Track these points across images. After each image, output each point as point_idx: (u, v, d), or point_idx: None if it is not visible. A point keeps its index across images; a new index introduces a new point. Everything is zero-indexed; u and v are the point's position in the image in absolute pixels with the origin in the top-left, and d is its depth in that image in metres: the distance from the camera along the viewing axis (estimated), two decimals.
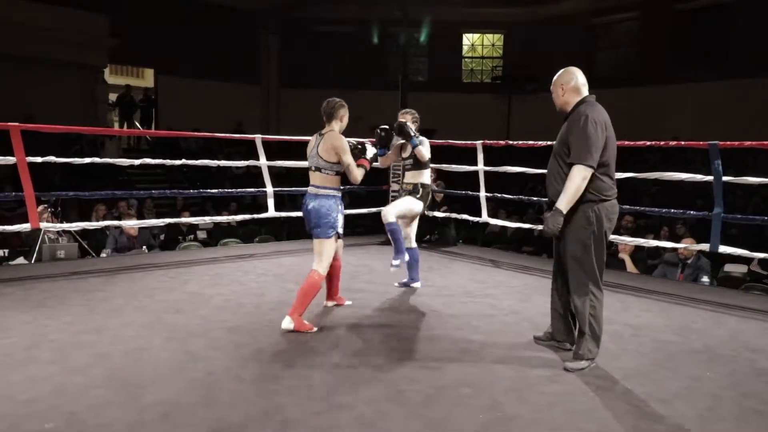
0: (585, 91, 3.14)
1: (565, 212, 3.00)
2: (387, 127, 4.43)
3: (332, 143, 3.67)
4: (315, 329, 3.56)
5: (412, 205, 4.51)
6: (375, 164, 4.12)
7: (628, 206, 5.85)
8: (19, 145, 4.77)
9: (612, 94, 15.85)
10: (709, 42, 14.74)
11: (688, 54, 15.05)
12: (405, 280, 4.80)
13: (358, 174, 3.73)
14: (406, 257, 4.39)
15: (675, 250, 5.64)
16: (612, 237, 5.85)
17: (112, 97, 15.55)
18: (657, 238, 7.20)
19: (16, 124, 4.81)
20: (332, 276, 4.02)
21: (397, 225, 4.38)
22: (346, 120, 3.84)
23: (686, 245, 5.34)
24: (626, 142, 5.38)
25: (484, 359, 3.18)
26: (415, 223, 4.71)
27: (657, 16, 15.44)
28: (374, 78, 17.20)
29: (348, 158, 3.70)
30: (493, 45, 18.63)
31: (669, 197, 10.46)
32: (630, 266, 6.02)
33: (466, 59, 18.70)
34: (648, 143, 5.32)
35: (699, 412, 2.60)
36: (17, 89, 12.75)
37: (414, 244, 4.72)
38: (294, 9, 17.33)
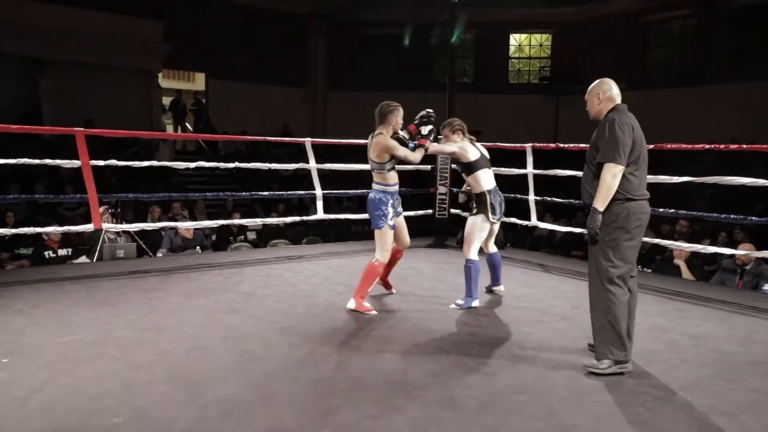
0: (618, 100, 3.22)
1: (601, 210, 3.05)
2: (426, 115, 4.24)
3: (379, 146, 4.02)
4: (374, 312, 4.01)
5: (477, 227, 4.29)
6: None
7: (684, 211, 5.72)
8: (84, 149, 4.99)
9: (665, 93, 15.50)
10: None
11: (746, 52, 14.46)
12: (488, 284, 4.72)
13: (415, 158, 4.10)
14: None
15: (733, 256, 5.46)
16: (666, 242, 5.74)
17: (165, 101, 16.07)
18: (714, 243, 6.97)
19: (81, 129, 5.03)
20: (390, 262, 4.40)
21: (476, 263, 4.24)
22: (397, 122, 4.11)
23: (745, 252, 5.15)
24: (683, 145, 5.26)
25: (537, 366, 3.15)
26: (494, 230, 4.49)
27: (712, 13, 14.90)
28: (421, 80, 17.20)
29: (400, 153, 4.04)
30: (540, 45, 18.36)
31: (725, 201, 10.08)
32: (685, 272, 5.84)
33: (513, 60, 18.49)
34: (707, 146, 5.15)
35: (765, 427, 2.52)
36: (78, 94, 13.34)
37: (493, 249, 4.59)
38: (342, 12, 17.50)
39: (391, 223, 4.09)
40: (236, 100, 16.44)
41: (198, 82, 17.89)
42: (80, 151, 4.97)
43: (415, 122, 4.21)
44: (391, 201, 4.11)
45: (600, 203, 3.03)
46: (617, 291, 3.08)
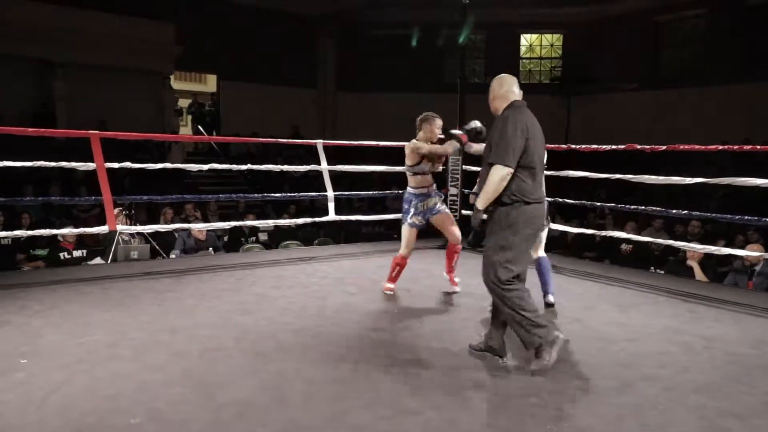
0: (513, 97, 3.21)
1: (481, 209, 3.09)
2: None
3: (407, 150, 4.48)
4: (390, 292, 4.60)
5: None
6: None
7: (697, 212, 5.69)
8: (99, 152, 5.04)
9: (677, 93, 15.39)
10: None
11: (759, 52, 14.31)
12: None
13: (442, 150, 4.35)
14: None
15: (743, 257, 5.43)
16: (679, 244, 5.71)
17: (183, 103, 16.21)
18: (729, 244, 6.93)
19: (96, 132, 5.08)
20: (448, 256, 4.75)
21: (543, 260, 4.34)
22: (431, 130, 4.52)
23: (753, 253, 5.12)
24: (696, 146, 5.23)
25: (549, 368, 3.15)
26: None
27: (725, 13, 14.77)
28: (431, 81, 17.20)
29: (425, 149, 4.38)
30: (551, 45, 18.30)
31: (737, 201, 10.01)
32: (699, 274, 5.81)
33: (524, 60, 18.44)
34: (719, 147, 5.12)
35: None
36: (91, 96, 13.47)
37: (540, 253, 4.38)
38: (351, 13, 17.52)
39: (411, 221, 4.50)
40: (247, 101, 16.54)
41: (209, 83, 18.00)
42: (95, 154, 5.02)
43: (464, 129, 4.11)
44: (414, 201, 4.50)
45: (482, 202, 3.07)
46: (514, 287, 3.07)
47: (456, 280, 4.80)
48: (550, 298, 4.30)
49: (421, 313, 4.14)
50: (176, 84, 16.43)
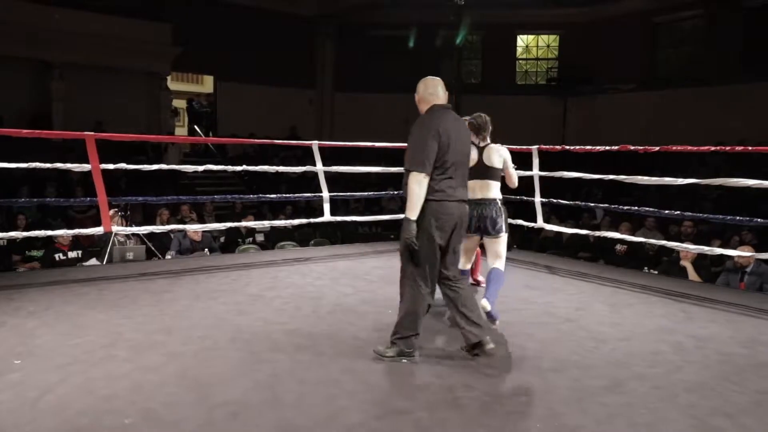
0: (435, 100, 3.22)
1: (413, 218, 3.06)
2: None
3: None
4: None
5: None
6: None
7: (690, 213, 5.72)
8: (94, 153, 5.05)
9: (675, 94, 15.43)
10: None
11: (756, 53, 14.36)
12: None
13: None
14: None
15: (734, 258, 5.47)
16: (672, 244, 5.75)
17: (178, 104, 16.21)
18: (725, 244, 6.97)
19: (91, 133, 5.09)
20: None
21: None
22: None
23: (743, 253, 5.16)
24: (689, 147, 5.26)
25: (540, 367, 3.18)
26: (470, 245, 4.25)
27: (725, 14, 14.81)
28: None
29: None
30: (548, 46, 18.34)
31: (731, 202, 10.06)
32: (692, 274, 5.84)
33: (520, 61, 18.48)
34: (712, 148, 5.15)
35: (767, 428, 2.53)
36: (87, 97, 13.48)
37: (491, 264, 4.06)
38: (349, 14, 17.55)
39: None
40: (244, 102, 16.55)
41: (206, 84, 18.01)
42: (90, 155, 5.03)
43: None
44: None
45: (410, 212, 3.05)
46: (423, 289, 3.15)
47: (480, 278, 4.94)
48: (484, 303, 3.71)
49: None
50: (173, 85, 16.44)
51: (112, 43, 13.39)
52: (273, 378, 2.94)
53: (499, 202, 3.99)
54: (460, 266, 3.90)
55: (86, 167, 5.10)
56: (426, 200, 3.07)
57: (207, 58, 15.92)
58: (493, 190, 4.00)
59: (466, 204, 3.29)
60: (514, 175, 4.19)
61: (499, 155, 4.04)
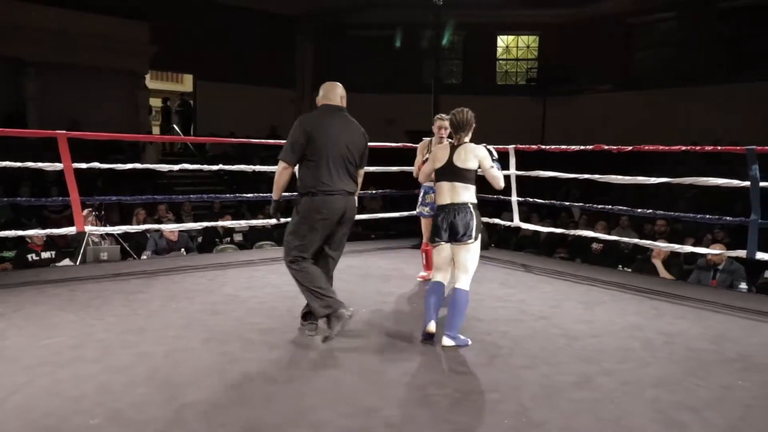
0: (324, 102, 3.62)
1: (275, 199, 3.61)
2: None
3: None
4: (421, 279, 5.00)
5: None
6: None
7: (661, 211, 5.81)
8: (66, 152, 4.99)
9: (652, 94, 15.64)
10: (753, 42, 14.30)
11: (732, 54, 14.62)
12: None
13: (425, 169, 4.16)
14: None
15: (706, 256, 5.56)
16: (644, 242, 5.84)
17: (155, 102, 16.03)
18: (698, 243, 7.08)
19: (63, 132, 5.03)
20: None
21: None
22: (435, 129, 4.91)
23: (717, 252, 5.25)
24: (661, 147, 5.34)
25: (512, 364, 3.21)
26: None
27: (699, 16, 15.04)
28: (408, 81, 17.25)
29: (419, 160, 4.96)
30: (527, 47, 18.48)
31: (707, 201, 10.23)
32: (662, 272, 5.93)
33: (500, 61, 18.59)
34: (684, 148, 5.24)
35: (730, 422, 2.59)
36: (63, 95, 13.26)
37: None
38: (329, 14, 17.51)
39: (418, 210, 5.24)
40: (224, 101, 16.41)
41: (186, 83, 17.86)
42: (62, 154, 4.97)
43: None
44: (422, 192, 5.18)
45: (274, 194, 3.58)
46: (299, 266, 3.49)
47: (423, 274, 5.01)
48: (445, 341, 3.42)
49: (390, 314, 4.17)
50: (152, 84, 16.27)
51: (89, 42, 13.19)
52: (244, 377, 2.93)
53: (472, 207, 3.57)
54: (437, 279, 3.64)
55: (58, 166, 5.04)
56: (308, 193, 3.44)
57: (186, 57, 15.78)
58: (464, 194, 3.58)
59: (346, 195, 3.51)
60: (496, 176, 3.68)
61: (473, 155, 3.61)
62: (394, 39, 17.74)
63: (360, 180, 3.71)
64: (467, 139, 3.70)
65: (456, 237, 3.54)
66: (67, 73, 13.35)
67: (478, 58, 18.36)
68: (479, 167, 3.64)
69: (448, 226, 3.55)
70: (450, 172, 3.62)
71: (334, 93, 3.61)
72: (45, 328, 3.63)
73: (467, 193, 3.60)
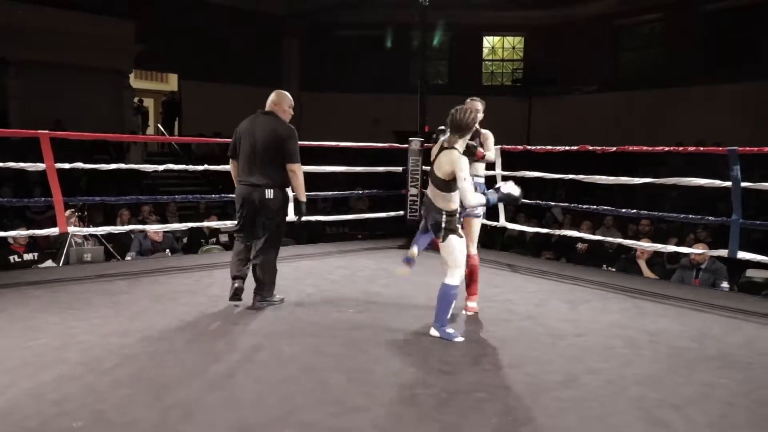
0: (266, 107, 4.24)
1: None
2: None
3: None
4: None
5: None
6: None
7: (645, 211, 5.88)
8: (48, 152, 4.93)
9: (637, 95, 15.80)
10: (738, 43, 14.50)
11: (717, 55, 14.81)
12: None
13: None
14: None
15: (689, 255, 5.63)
16: (627, 242, 5.91)
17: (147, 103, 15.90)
18: (682, 242, 7.17)
19: (46, 131, 4.97)
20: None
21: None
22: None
23: (699, 251, 5.32)
24: (645, 148, 5.41)
25: (498, 364, 3.23)
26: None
27: (683, 17, 15.23)
28: (395, 81, 17.27)
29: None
30: (513, 47, 18.58)
31: (690, 201, 10.36)
32: (646, 271, 5.99)
33: (486, 62, 18.68)
34: (667, 149, 5.30)
35: (711, 419, 2.62)
36: (46, 94, 13.11)
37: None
38: (317, 13, 17.48)
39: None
40: (209, 100, 16.31)
41: (171, 82, 17.73)
42: (45, 154, 4.91)
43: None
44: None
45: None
46: (234, 247, 4.29)
47: (471, 305, 4.25)
48: (432, 331, 3.60)
49: (376, 314, 4.16)
50: (137, 83, 16.15)
51: (73, 40, 13.06)
52: (230, 378, 2.92)
53: (445, 215, 3.52)
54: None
55: (41, 167, 4.98)
56: (239, 182, 4.17)
57: (171, 56, 15.68)
58: (439, 201, 3.54)
59: (252, 187, 4.05)
60: (464, 191, 3.40)
61: (448, 161, 3.42)
62: (381, 39, 17.77)
63: (293, 174, 4.11)
64: (460, 144, 3.48)
65: (435, 234, 3.65)
66: (50, 72, 13.20)
67: (465, 58, 18.43)
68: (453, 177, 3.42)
69: (429, 227, 3.70)
70: (432, 176, 3.58)
71: (268, 100, 4.27)
72: (27, 330, 3.59)
73: (442, 201, 3.53)
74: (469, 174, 3.45)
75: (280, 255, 6.31)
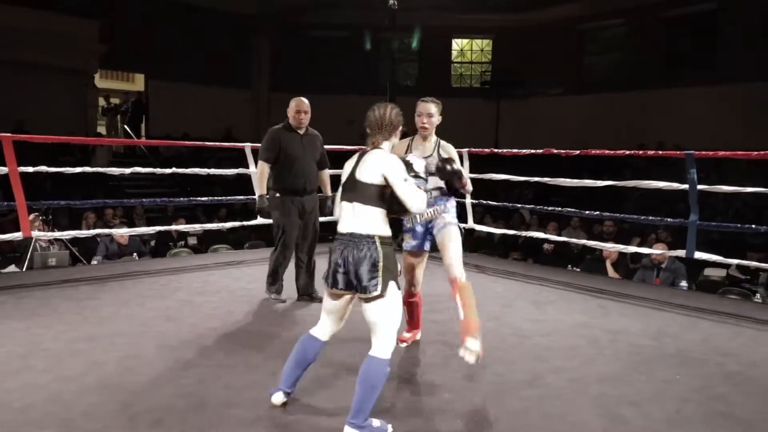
0: None
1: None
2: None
3: None
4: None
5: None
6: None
7: (608, 213, 6.05)
8: (11, 156, 4.83)
9: (601, 98, 16.16)
10: (696, 48, 14.98)
11: (676, 60, 15.27)
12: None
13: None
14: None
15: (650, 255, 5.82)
16: (592, 243, 6.08)
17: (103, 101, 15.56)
18: (644, 242, 7.39)
19: (8, 134, 4.87)
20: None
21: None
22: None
23: (659, 251, 5.49)
24: (606, 151, 5.57)
25: (465, 365, 3.26)
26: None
27: (645, 23, 15.65)
28: (365, 82, 17.30)
29: None
30: (482, 50, 18.80)
31: (652, 201, 10.65)
32: (611, 272, 6.16)
33: (455, 64, 18.86)
34: (628, 152, 5.48)
35: (667, 414, 2.74)
36: (7, 94, 12.74)
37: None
38: (286, 14, 17.40)
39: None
40: (177, 101, 16.09)
41: (137, 82, 17.44)
42: (7, 158, 4.81)
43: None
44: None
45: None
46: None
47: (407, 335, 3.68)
48: (276, 397, 2.72)
49: (350, 320, 4.18)
50: (102, 82, 15.83)
51: (36, 39, 12.73)
52: (199, 384, 2.93)
53: (378, 242, 2.51)
54: (312, 331, 2.79)
55: (3, 170, 4.88)
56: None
57: (137, 56, 15.41)
58: (366, 221, 2.54)
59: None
60: (406, 197, 2.53)
61: (378, 165, 2.56)
62: (351, 40, 17.80)
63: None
64: (385, 144, 2.68)
65: (354, 286, 2.53)
66: (11, 72, 12.83)
67: (434, 60, 18.58)
68: (387, 183, 2.55)
69: (343, 267, 2.53)
70: (351, 188, 2.61)
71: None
72: None
73: (372, 221, 2.54)
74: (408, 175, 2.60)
75: (251, 258, 6.35)
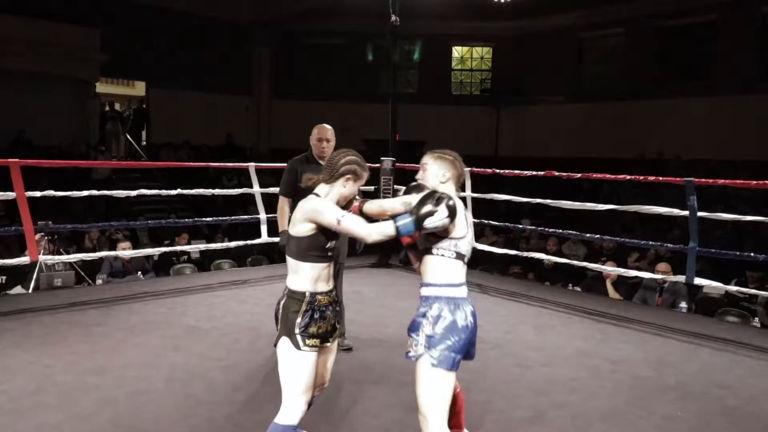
0: None
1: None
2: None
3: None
4: None
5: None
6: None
7: (608, 237, 6.12)
8: (19, 181, 4.89)
9: (600, 108, 16.22)
10: (695, 58, 15.04)
11: (675, 70, 15.32)
12: None
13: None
14: None
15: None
16: (592, 266, 6.15)
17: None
18: (643, 257, 7.47)
19: (16, 160, 4.93)
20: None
21: None
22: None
23: (662, 275, 5.54)
24: (607, 176, 5.65)
25: (470, 399, 3.32)
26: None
27: (644, 33, 15.70)
28: (365, 90, 17.38)
29: None
30: (482, 58, 18.86)
31: (646, 225, 10.77)
32: (612, 292, 6.22)
33: (455, 71, 18.92)
34: (629, 177, 5.57)
35: None
36: (9, 103, 12.76)
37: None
38: (287, 22, 17.45)
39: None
40: (178, 109, 16.11)
41: (138, 87, 17.46)
42: (15, 183, 4.87)
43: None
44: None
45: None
46: None
47: None
48: None
49: (353, 347, 4.24)
50: (103, 87, 15.83)
51: (36, 49, 12.74)
52: (209, 423, 2.98)
53: (308, 297, 2.32)
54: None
55: (11, 195, 4.94)
56: None
57: (139, 64, 15.43)
58: (291, 277, 2.36)
59: None
60: (349, 230, 2.29)
61: (303, 213, 2.31)
62: (351, 48, 17.86)
63: None
64: (324, 190, 2.42)
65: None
66: (12, 82, 12.85)
67: (434, 68, 18.63)
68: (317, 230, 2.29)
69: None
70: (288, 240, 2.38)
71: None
72: (1, 369, 3.57)
73: (295, 277, 2.34)
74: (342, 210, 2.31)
75: (255, 277, 6.41)
